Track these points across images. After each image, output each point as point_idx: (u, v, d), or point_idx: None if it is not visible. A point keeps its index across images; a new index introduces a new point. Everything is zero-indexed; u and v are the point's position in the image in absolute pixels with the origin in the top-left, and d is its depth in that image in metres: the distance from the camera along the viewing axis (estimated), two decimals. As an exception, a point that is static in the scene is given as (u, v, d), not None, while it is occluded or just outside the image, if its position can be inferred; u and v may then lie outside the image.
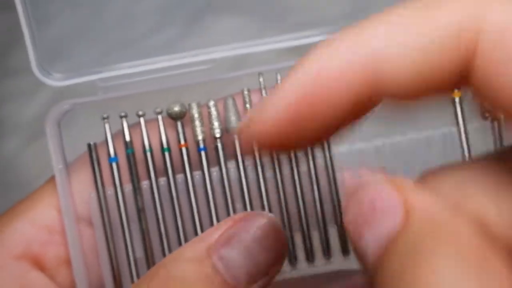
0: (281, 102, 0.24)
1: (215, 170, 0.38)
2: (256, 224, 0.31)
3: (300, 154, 0.39)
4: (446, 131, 0.38)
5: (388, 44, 0.23)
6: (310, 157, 0.38)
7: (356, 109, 0.24)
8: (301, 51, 0.40)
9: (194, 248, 0.31)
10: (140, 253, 0.38)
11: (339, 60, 0.23)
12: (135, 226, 0.38)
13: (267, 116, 0.24)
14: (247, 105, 0.38)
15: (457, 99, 0.38)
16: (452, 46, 0.23)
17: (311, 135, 0.24)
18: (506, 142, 0.38)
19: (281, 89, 0.24)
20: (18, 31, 0.41)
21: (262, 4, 0.41)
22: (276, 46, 0.39)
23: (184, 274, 0.29)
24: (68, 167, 0.38)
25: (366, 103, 0.24)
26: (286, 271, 0.39)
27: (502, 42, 0.22)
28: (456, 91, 0.38)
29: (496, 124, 0.38)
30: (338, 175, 0.38)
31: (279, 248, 0.32)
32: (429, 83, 0.23)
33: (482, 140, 0.38)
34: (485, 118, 0.38)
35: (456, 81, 0.24)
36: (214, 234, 0.32)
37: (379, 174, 0.24)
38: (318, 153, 0.38)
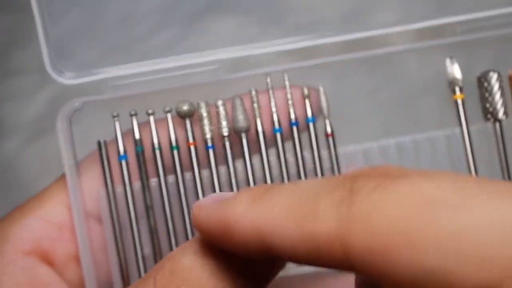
0: (205, 223, 0.28)
1: (222, 168, 0.39)
2: None
3: (306, 154, 0.39)
4: (450, 131, 0.39)
5: (276, 230, 0.26)
6: (317, 157, 0.39)
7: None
8: (302, 53, 0.41)
9: (201, 242, 0.31)
10: (148, 250, 0.39)
11: (243, 225, 0.27)
12: (143, 223, 0.39)
13: (198, 222, 0.28)
14: (255, 105, 0.39)
15: (459, 101, 0.39)
16: (326, 256, 0.25)
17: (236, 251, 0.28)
18: (508, 143, 0.39)
19: (206, 214, 0.28)
20: (18, 31, 0.41)
21: (262, 4, 0.42)
22: (281, 48, 0.40)
23: (191, 266, 0.29)
24: (77, 164, 0.39)
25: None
26: (290, 268, 0.39)
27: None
28: (458, 93, 0.39)
29: (498, 125, 0.39)
30: (344, 175, 0.39)
31: None
32: (312, 262, 0.26)
33: (485, 141, 0.39)
34: (487, 119, 0.39)
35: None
36: None
37: None
38: (324, 153, 0.39)
